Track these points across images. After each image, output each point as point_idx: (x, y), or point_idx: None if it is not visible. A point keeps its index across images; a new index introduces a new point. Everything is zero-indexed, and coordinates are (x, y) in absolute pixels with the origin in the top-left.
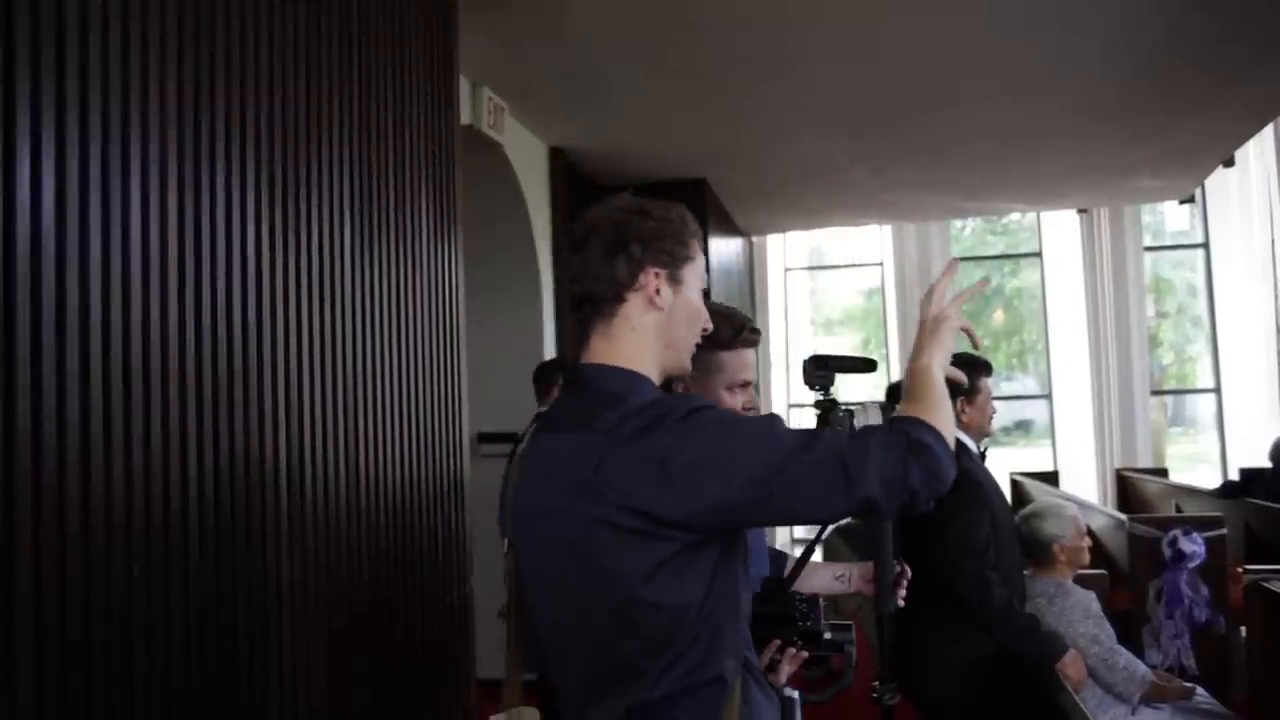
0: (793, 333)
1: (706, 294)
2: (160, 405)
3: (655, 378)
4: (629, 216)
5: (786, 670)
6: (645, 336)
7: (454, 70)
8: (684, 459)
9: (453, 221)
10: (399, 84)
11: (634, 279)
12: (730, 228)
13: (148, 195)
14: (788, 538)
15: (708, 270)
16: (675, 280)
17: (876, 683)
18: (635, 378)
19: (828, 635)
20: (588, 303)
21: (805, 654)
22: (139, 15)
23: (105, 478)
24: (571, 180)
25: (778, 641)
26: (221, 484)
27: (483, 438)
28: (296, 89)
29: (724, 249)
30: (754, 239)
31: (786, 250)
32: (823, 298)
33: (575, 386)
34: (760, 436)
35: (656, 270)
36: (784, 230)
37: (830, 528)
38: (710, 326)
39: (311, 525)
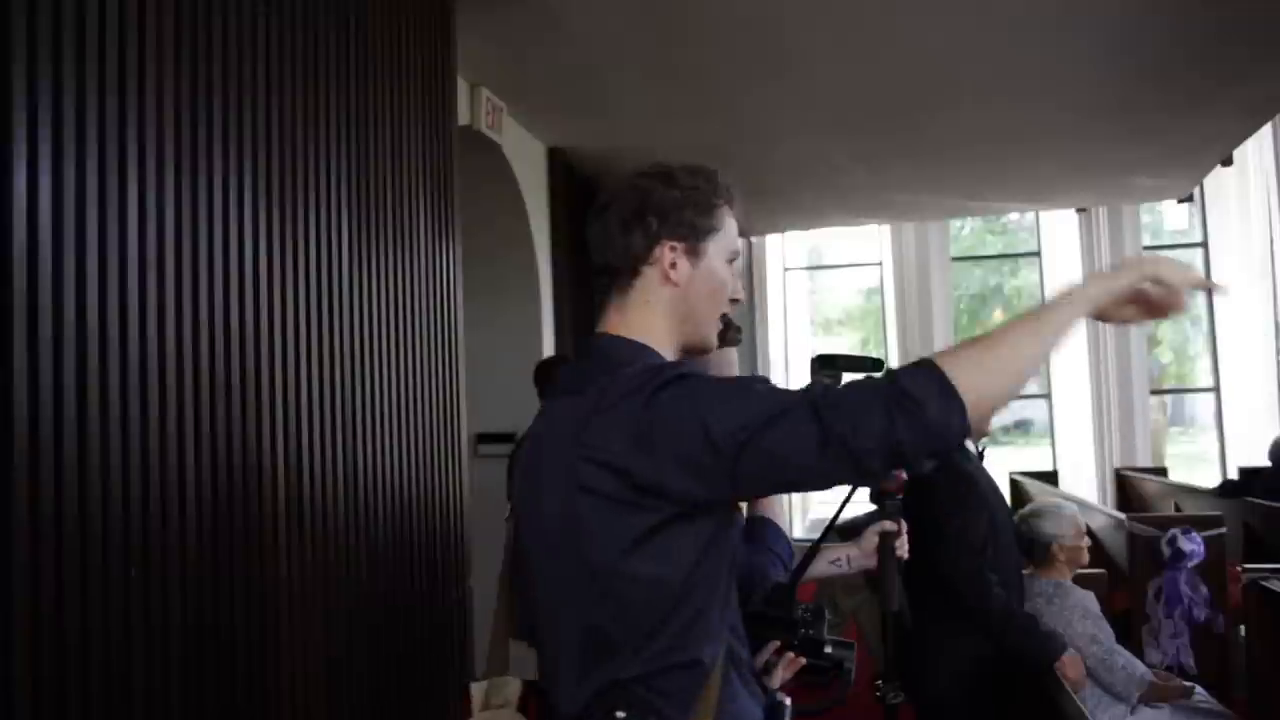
0: (792, 332)
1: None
2: (158, 406)
3: (671, 352)
4: (652, 184)
5: (781, 675)
6: (659, 311)
7: (451, 70)
8: (661, 422)
9: (451, 222)
10: (396, 84)
11: (649, 253)
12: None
13: (144, 200)
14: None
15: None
16: (695, 253)
17: (879, 681)
18: (643, 350)
19: (829, 649)
20: (604, 273)
21: (803, 661)
22: (135, 19)
23: (102, 479)
24: (570, 180)
25: (776, 643)
26: (219, 485)
27: (481, 438)
28: (293, 90)
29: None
30: (753, 239)
31: (785, 250)
32: (822, 297)
33: (584, 355)
34: (737, 397)
35: (673, 244)
36: (783, 230)
37: (830, 529)
38: (741, 296)
39: (310, 525)
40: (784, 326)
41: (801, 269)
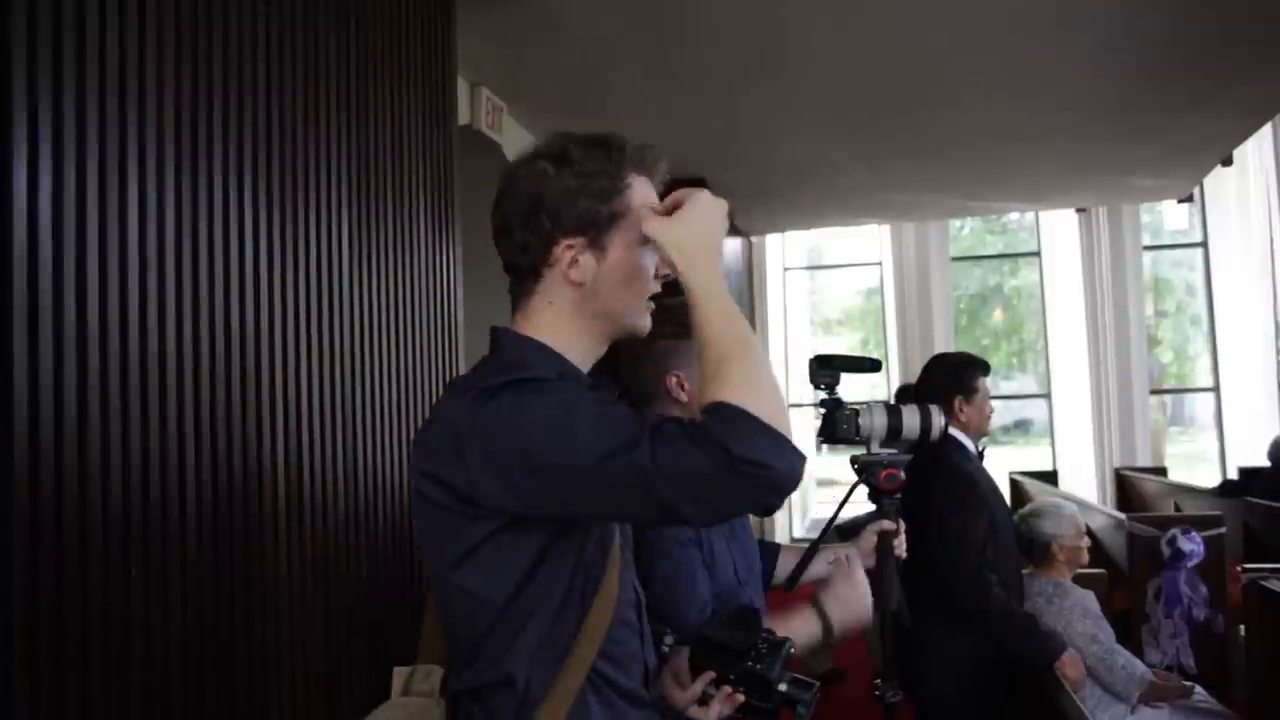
0: (792, 333)
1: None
2: (158, 405)
3: (588, 349)
4: (544, 172)
5: (717, 709)
6: (564, 312)
7: (452, 70)
8: (478, 429)
9: (451, 221)
10: (396, 84)
11: (547, 254)
12: (729, 228)
13: (144, 199)
14: (786, 538)
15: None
16: (598, 247)
17: (878, 680)
18: (539, 350)
19: (783, 687)
20: (510, 270)
21: (740, 697)
22: (135, 19)
23: (102, 478)
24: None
25: (710, 674)
26: (220, 486)
27: None
28: (294, 90)
29: (723, 249)
30: (753, 239)
31: (785, 250)
32: (822, 297)
33: (490, 348)
34: (565, 427)
35: (570, 242)
36: (783, 230)
37: (829, 529)
38: (670, 270)
39: (310, 523)
40: (784, 326)
41: (801, 269)
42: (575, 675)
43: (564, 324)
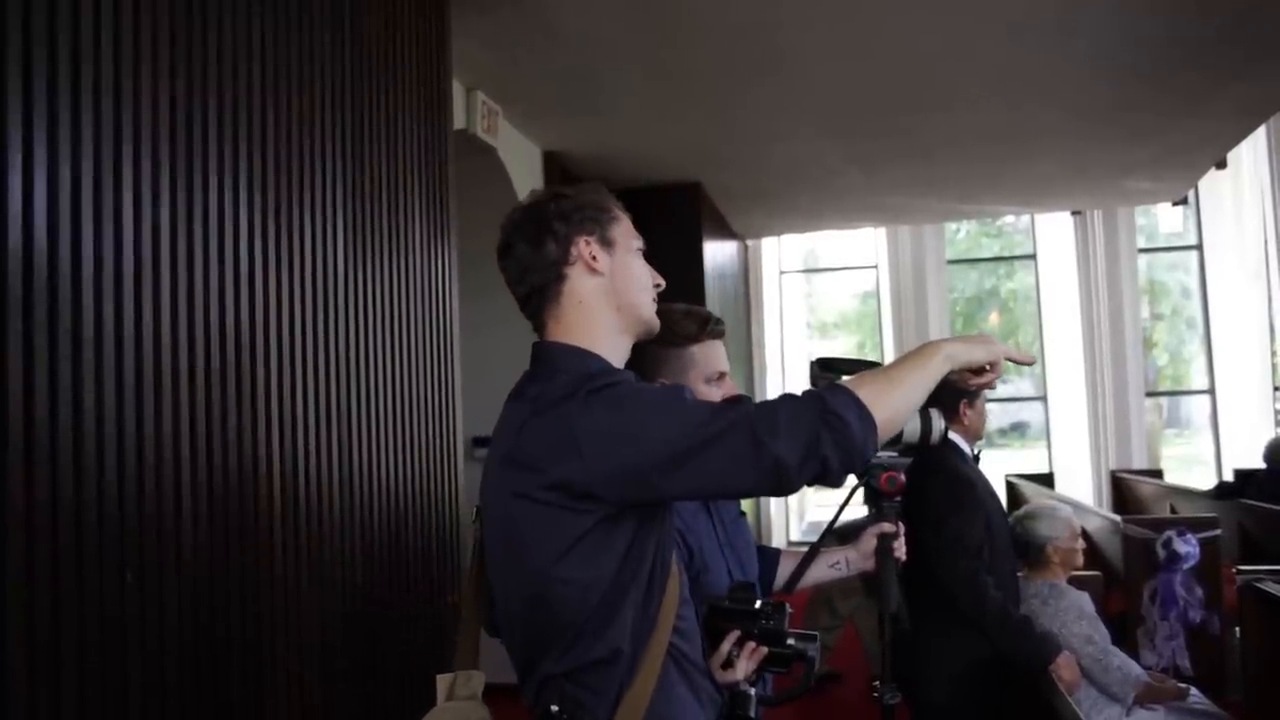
0: (788, 336)
1: (653, 260)
2: (153, 413)
3: (618, 347)
4: (543, 203)
5: (744, 665)
6: (593, 307)
7: (447, 74)
8: (592, 428)
9: (447, 225)
10: (392, 88)
11: (567, 253)
12: (725, 231)
13: (139, 201)
14: (783, 541)
15: (650, 248)
16: (606, 242)
17: (877, 682)
18: (584, 355)
19: (791, 640)
20: (534, 295)
21: (764, 650)
22: (130, 20)
23: (98, 484)
24: (566, 184)
25: (736, 633)
26: (215, 491)
27: (477, 442)
28: (289, 93)
29: (719, 252)
30: (749, 242)
31: (781, 253)
32: (818, 300)
33: (533, 363)
34: (670, 405)
35: (586, 238)
36: (779, 233)
37: (829, 532)
38: (662, 282)
39: (306, 527)
40: (780, 329)
41: (797, 272)
42: (659, 649)
43: (595, 320)
